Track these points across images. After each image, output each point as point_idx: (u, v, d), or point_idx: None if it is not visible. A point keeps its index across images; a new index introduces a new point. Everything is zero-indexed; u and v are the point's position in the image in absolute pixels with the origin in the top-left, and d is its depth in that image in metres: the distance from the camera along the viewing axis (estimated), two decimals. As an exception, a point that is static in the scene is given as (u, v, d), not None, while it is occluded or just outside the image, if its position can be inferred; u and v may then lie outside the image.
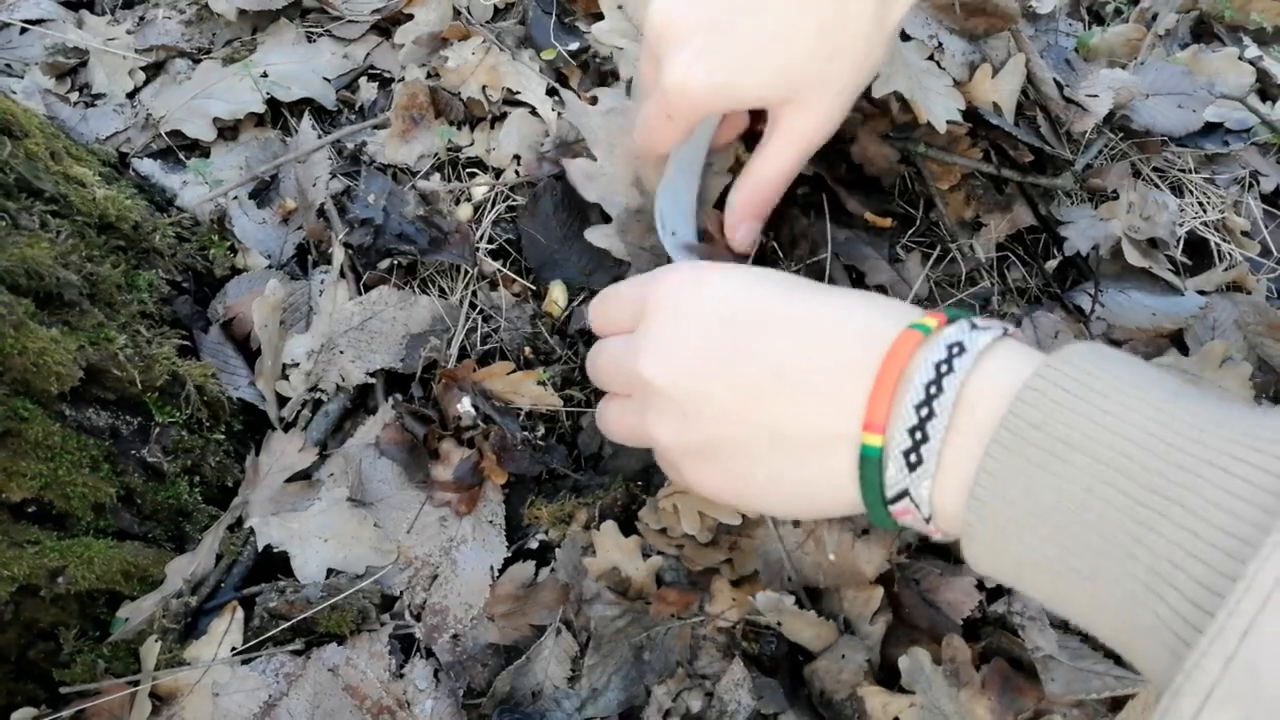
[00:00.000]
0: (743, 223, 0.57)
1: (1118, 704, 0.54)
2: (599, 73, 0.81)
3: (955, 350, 0.33)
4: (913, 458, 0.33)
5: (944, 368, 0.32)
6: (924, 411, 0.32)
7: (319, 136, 0.79)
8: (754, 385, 0.38)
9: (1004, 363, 0.33)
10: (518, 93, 0.79)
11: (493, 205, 0.74)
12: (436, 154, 0.77)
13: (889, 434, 0.34)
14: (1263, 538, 0.23)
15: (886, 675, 0.57)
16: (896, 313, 0.38)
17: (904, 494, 0.34)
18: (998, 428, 0.30)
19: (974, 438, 0.31)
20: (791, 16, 0.46)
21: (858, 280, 0.70)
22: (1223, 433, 0.26)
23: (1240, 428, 0.26)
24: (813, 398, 0.37)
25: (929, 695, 0.54)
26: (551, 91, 0.79)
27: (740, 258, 0.59)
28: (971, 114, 0.72)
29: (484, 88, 0.79)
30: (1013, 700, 0.54)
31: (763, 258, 0.68)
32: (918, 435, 0.33)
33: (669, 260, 0.61)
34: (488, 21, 0.85)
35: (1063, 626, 0.57)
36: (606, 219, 0.68)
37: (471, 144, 0.76)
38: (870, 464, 0.34)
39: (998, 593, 0.60)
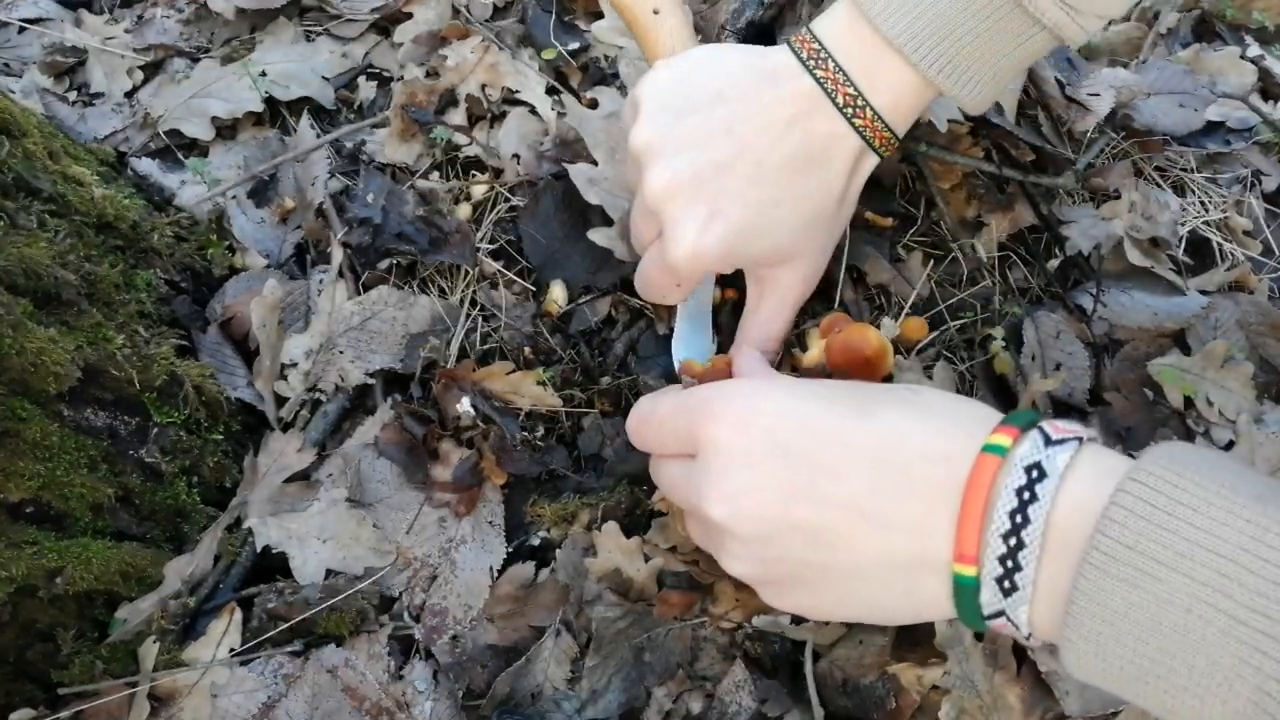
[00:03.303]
0: None
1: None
2: (599, 73, 0.80)
3: (1035, 475, 0.33)
4: (1006, 584, 0.33)
5: (1026, 494, 0.33)
6: (1013, 541, 0.33)
7: (318, 135, 0.79)
8: (832, 526, 0.38)
9: (1086, 480, 0.33)
10: (517, 92, 0.78)
11: (492, 205, 0.74)
12: (435, 153, 0.77)
13: (981, 563, 0.34)
14: None
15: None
16: (964, 422, 0.37)
17: (1001, 613, 0.34)
18: (1088, 548, 0.30)
19: (1066, 560, 0.32)
20: (784, 186, 0.50)
21: (859, 280, 0.70)
22: None
23: None
24: (896, 532, 0.37)
25: (964, 667, 0.54)
26: (551, 90, 0.79)
27: None
28: (973, 113, 0.72)
29: (483, 86, 0.79)
30: (1042, 698, 0.54)
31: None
32: (1009, 564, 0.33)
33: None
34: (487, 20, 0.85)
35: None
36: (608, 221, 0.67)
37: (470, 143, 0.76)
38: (965, 590, 0.35)
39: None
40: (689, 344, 0.62)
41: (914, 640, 0.57)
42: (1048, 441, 0.34)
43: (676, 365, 0.62)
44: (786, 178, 0.50)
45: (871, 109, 0.49)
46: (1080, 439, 0.34)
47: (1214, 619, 0.27)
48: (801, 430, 0.39)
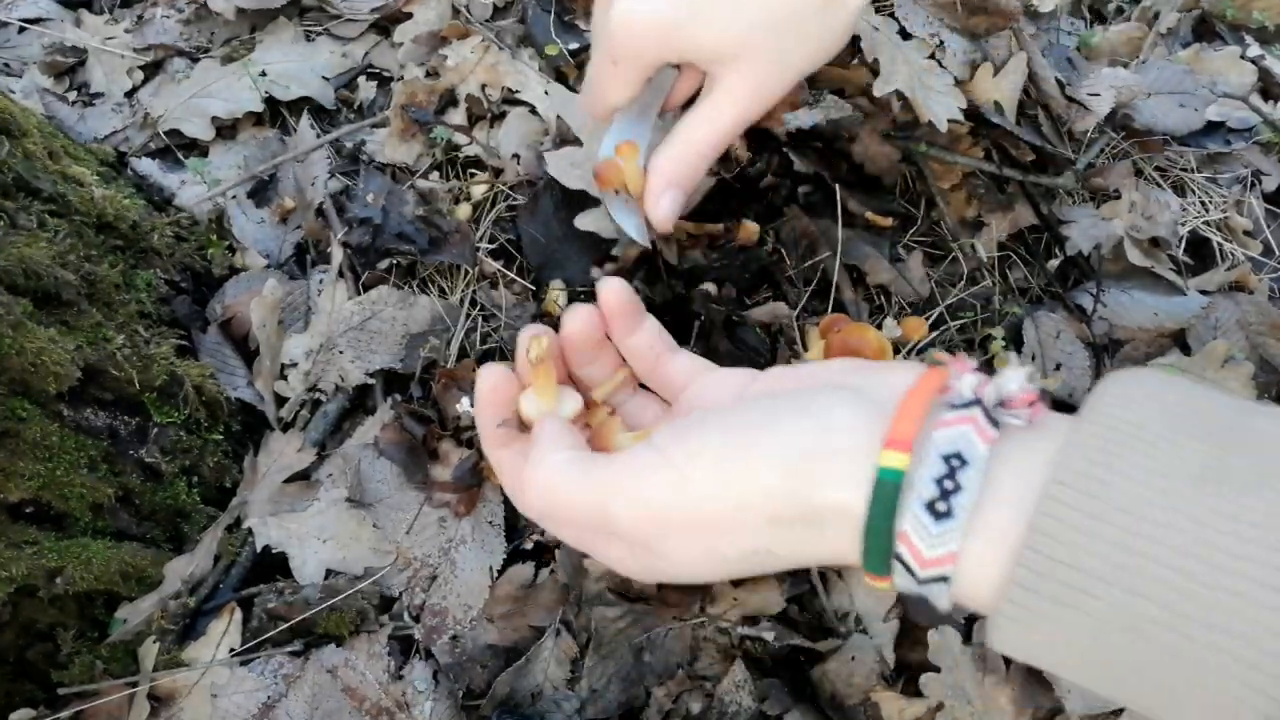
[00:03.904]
0: (667, 191, 0.50)
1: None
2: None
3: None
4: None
5: (935, 525, 0.29)
6: (931, 574, 0.29)
7: (318, 135, 0.79)
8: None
9: (1004, 493, 0.29)
10: (517, 91, 0.78)
11: (492, 204, 0.74)
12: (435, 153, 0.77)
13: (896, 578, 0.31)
14: None
15: (896, 677, 0.57)
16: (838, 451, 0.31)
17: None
18: (1014, 566, 0.27)
19: (991, 571, 0.28)
20: None
21: (858, 280, 0.70)
22: (1270, 535, 0.24)
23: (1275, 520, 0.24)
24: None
25: (955, 675, 0.54)
26: (551, 92, 0.79)
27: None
28: (973, 113, 0.72)
29: (483, 86, 0.79)
30: (1034, 695, 0.54)
31: (763, 258, 0.67)
32: (925, 581, 0.30)
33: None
34: (487, 20, 0.85)
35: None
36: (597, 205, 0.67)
37: (470, 143, 0.76)
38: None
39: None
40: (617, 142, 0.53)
41: (907, 663, 0.57)
42: (918, 581, 0.30)
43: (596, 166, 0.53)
44: None
45: None
46: (946, 577, 0.29)
47: (1160, 636, 0.25)
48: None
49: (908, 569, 0.30)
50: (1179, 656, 0.25)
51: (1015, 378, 0.30)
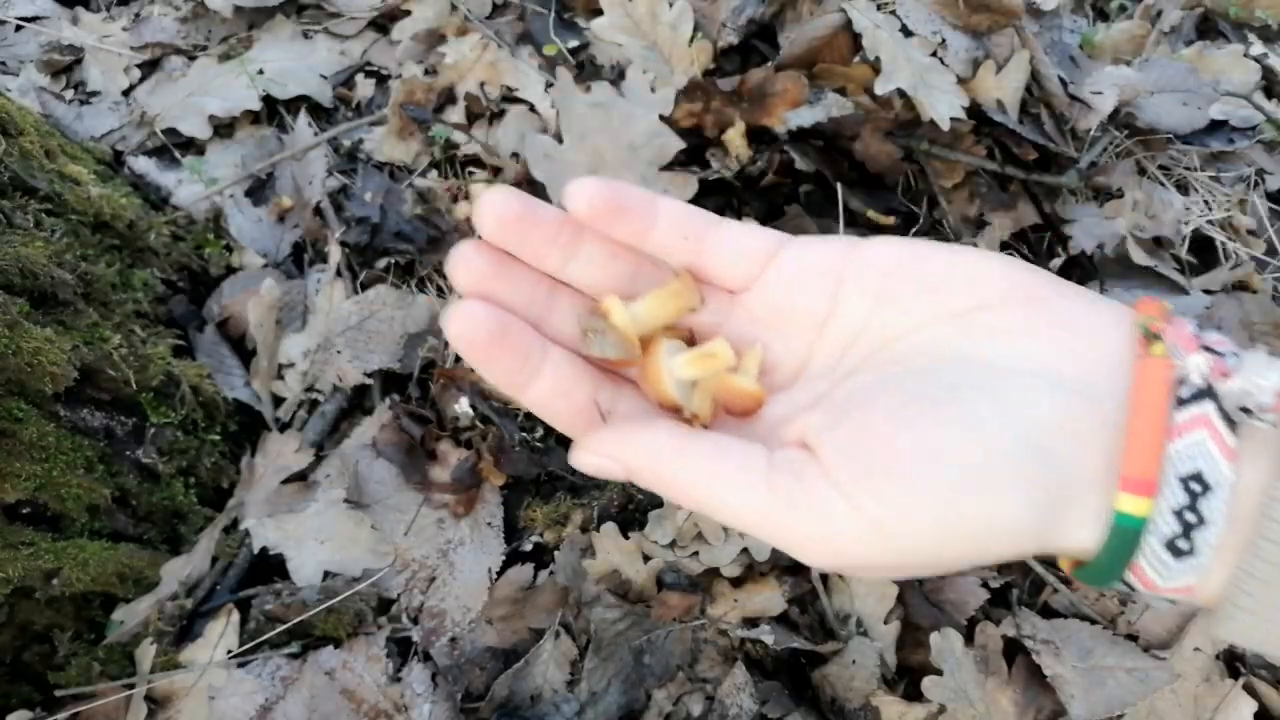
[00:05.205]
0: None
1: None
2: (595, 70, 0.80)
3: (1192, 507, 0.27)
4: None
5: (1191, 515, 0.26)
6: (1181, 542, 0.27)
7: (315, 134, 0.79)
8: None
9: (1244, 511, 0.26)
10: (516, 89, 0.78)
11: (491, 203, 0.74)
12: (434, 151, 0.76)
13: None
14: None
15: (898, 680, 0.57)
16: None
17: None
18: (1248, 557, 0.25)
19: (1221, 576, 0.27)
20: None
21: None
22: None
23: None
24: None
25: (957, 678, 0.54)
26: (550, 88, 0.79)
27: None
28: (975, 111, 0.71)
29: (482, 84, 0.79)
30: (1035, 698, 0.54)
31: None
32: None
33: None
34: (486, 17, 0.84)
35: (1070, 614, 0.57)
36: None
37: (469, 141, 0.76)
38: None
39: (1002, 596, 0.60)
40: None
41: (908, 665, 0.57)
42: (1141, 597, 0.28)
43: None
44: None
45: None
46: (1175, 600, 0.27)
47: None
48: None
49: (1131, 589, 0.28)
50: None
51: (1270, 378, 0.25)
